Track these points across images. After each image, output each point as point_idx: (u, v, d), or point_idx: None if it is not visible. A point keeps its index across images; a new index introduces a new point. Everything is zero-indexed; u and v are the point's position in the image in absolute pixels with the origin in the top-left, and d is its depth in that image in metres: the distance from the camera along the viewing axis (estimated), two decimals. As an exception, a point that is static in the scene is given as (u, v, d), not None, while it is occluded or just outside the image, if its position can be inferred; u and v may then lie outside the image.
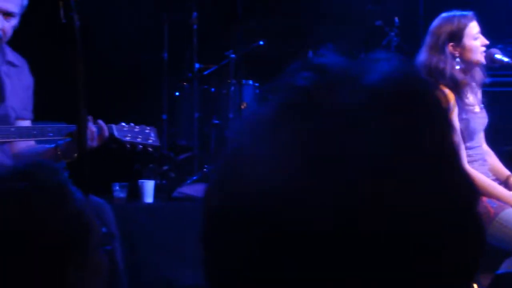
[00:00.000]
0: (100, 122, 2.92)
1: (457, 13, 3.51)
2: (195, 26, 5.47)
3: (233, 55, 5.51)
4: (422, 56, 3.51)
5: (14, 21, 2.93)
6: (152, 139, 3.14)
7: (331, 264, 0.58)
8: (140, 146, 3.09)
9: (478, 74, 3.53)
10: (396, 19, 5.62)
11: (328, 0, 6.02)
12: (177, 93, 5.70)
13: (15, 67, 3.08)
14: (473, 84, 3.52)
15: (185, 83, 5.67)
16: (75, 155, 2.94)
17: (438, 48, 3.46)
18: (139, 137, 3.10)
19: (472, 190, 0.63)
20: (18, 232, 1.15)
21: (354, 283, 0.58)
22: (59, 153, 2.93)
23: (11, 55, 3.08)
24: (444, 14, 3.54)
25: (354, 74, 0.65)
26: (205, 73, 5.56)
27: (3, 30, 2.89)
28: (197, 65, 5.50)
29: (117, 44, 5.54)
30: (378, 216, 0.58)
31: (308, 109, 0.62)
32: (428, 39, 3.53)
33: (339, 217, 0.58)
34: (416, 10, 5.96)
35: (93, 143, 2.89)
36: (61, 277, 1.16)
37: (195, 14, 5.47)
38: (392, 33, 5.60)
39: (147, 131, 3.15)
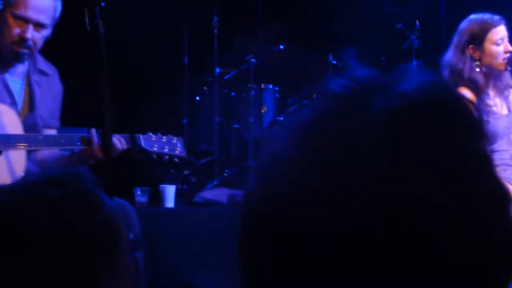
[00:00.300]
0: (117, 137, 2.93)
1: (486, 16, 3.48)
2: (215, 31, 5.48)
3: (253, 60, 5.51)
4: (448, 54, 3.53)
5: (45, 32, 2.97)
6: (179, 150, 3.15)
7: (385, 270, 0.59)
8: (167, 157, 3.10)
9: (505, 78, 3.50)
10: (417, 22, 5.59)
11: (348, 3, 6.00)
12: (197, 98, 5.72)
13: (46, 75, 3.11)
14: (500, 87, 3.49)
15: (205, 88, 5.68)
16: (91, 161, 2.98)
17: (460, 49, 3.48)
18: (166, 148, 3.11)
19: (505, 197, 0.63)
20: (50, 239, 1.16)
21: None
22: (75, 159, 2.98)
23: (42, 64, 3.11)
24: (472, 16, 3.52)
25: (388, 83, 0.65)
26: (226, 77, 5.57)
27: (33, 40, 2.92)
28: (217, 70, 5.51)
29: (138, 48, 5.57)
30: (423, 217, 0.59)
31: (346, 114, 0.63)
32: (454, 39, 3.54)
33: (388, 218, 0.58)
34: (437, 13, 5.93)
35: (103, 155, 2.91)
36: (92, 283, 1.16)
37: (215, 18, 5.48)
38: (413, 36, 5.57)
39: (174, 141, 3.15)
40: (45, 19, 2.94)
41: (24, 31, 2.90)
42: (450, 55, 3.49)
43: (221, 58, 5.56)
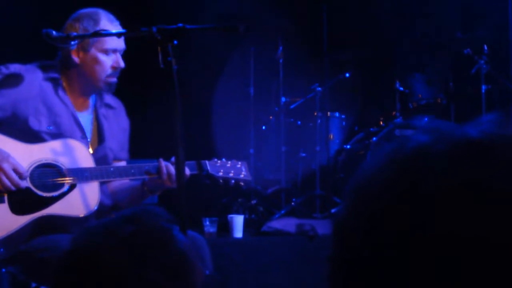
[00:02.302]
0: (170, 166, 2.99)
1: None
2: (281, 60, 5.52)
3: (319, 88, 5.52)
4: None
5: None
6: (244, 174, 3.19)
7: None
8: (233, 181, 3.15)
9: None
10: (485, 46, 5.50)
11: (414, 29, 5.96)
12: (263, 127, 5.74)
13: (113, 109, 3.22)
14: None
15: (271, 117, 5.71)
16: (160, 191, 3.06)
17: None
18: (231, 172, 3.16)
19: None
20: (124, 275, 1.18)
21: None
22: (145, 189, 3.06)
23: (109, 98, 3.21)
24: None
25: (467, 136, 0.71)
26: (292, 106, 5.59)
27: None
28: (283, 99, 5.53)
29: (203, 80, 5.65)
30: None
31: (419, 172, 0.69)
32: None
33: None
34: (505, 37, 5.82)
35: (173, 184, 2.97)
36: None
37: (280, 48, 5.51)
38: (482, 61, 5.47)
39: (238, 166, 3.21)
40: (124, 44, 3.10)
41: (117, 62, 3.05)
42: None
43: (287, 87, 5.58)
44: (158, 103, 2.89)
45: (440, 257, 0.64)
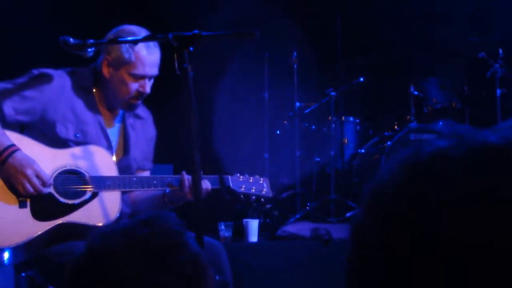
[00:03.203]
0: (185, 175, 3.00)
1: None
2: (295, 65, 5.54)
3: (333, 93, 5.53)
4: None
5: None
6: (265, 190, 3.19)
7: None
8: (254, 197, 3.15)
9: None
10: (501, 50, 5.49)
11: (429, 33, 5.96)
12: (278, 132, 5.76)
13: (141, 119, 3.23)
14: None
15: (286, 122, 5.72)
16: (181, 202, 3.06)
17: None
18: (253, 188, 3.16)
19: None
20: (137, 278, 1.20)
21: None
22: (166, 200, 3.07)
23: (138, 108, 3.21)
24: None
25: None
26: (306, 111, 5.60)
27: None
28: (297, 104, 5.55)
29: (218, 85, 5.67)
30: None
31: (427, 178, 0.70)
32: None
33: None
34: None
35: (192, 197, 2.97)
36: None
37: (295, 53, 5.53)
38: (497, 65, 5.47)
39: (260, 182, 3.21)
40: (157, 70, 3.09)
41: (143, 87, 3.05)
42: None
43: (301, 92, 5.60)
44: (174, 109, 2.91)
45: (451, 264, 0.65)
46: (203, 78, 4.96)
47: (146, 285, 1.21)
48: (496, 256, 0.64)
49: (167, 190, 3.05)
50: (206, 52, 5.10)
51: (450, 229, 0.65)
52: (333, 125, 5.51)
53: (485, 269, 0.64)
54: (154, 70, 3.06)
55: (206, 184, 2.98)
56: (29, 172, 2.75)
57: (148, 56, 3.02)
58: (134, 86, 3.04)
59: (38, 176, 2.77)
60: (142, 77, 3.04)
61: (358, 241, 0.74)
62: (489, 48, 5.55)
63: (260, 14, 5.58)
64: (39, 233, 2.80)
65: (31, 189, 2.76)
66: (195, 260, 1.25)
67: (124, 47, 2.99)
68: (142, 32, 3.00)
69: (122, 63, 3.01)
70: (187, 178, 2.96)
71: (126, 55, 2.98)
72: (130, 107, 3.08)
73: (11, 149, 2.77)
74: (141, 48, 3.02)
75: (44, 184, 2.79)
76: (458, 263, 0.65)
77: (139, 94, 3.06)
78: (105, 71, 3.04)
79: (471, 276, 0.64)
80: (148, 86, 3.06)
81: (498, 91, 5.41)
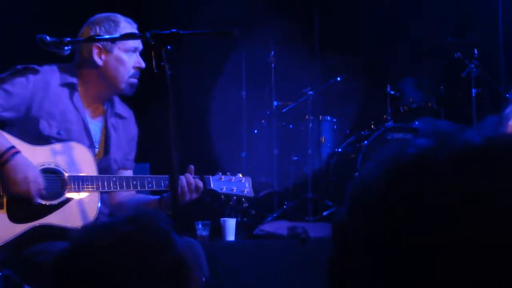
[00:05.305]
0: (189, 176, 2.96)
1: None
2: (272, 64, 5.54)
3: (311, 92, 5.54)
4: None
5: None
6: (247, 190, 3.13)
7: None
8: (235, 198, 3.12)
9: None
10: (476, 50, 5.54)
11: (406, 34, 5.99)
12: (255, 131, 5.76)
13: (122, 119, 3.19)
14: None
15: (263, 121, 5.73)
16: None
17: None
18: (234, 188, 3.11)
19: None
20: (124, 275, 1.19)
21: None
22: (163, 205, 2.99)
23: (120, 107, 3.19)
24: None
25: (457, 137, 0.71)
26: (283, 110, 5.61)
27: None
28: (275, 103, 5.56)
29: (196, 84, 5.66)
30: None
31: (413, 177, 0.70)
32: None
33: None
34: (495, 41, 5.86)
35: (192, 195, 2.95)
36: None
37: (272, 52, 5.54)
38: (472, 65, 5.52)
39: (242, 181, 3.15)
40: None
41: (138, 62, 3.05)
42: None
43: (279, 91, 5.61)
44: (151, 108, 2.90)
45: (442, 266, 0.65)
46: (181, 77, 4.95)
47: (130, 283, 1.19)
48: (490, 258, 0.64)
49: (164, 195, 2.99)
50: (184, 51, 5.10)
51: (440, 231, 0.65)
52: (311, 124, 5.53)
53: (478, 271, 0.64)
54: (140, 43, 3.07)
55: (199, 183, 2.95)
56: (32, 174, 2.73)
57: (133, 30, 3.02)
58: (130, 63, 3.03)
59: (37, 181, 2.74)
60: (135, 50, 3.04)
61: (341, 242, 0.74)
62: (465, 49, 5.60)
63: (238, 13, 5.59)
64: (15, 235, 2.74)
65: (34, 193, 2.73)
66: (181, 260, 1.24)
67: (111, 28, 2.98)
68: (121, 17, 3.02)
69: (112, 44, 2.99)
70: (182, 179, 2.91)
71: (115, 34, 2.96)
72: (132, 88, 3.06)
73: (12, 151, 2.73)
74: (125, 25, 3.02)
75: (40, 190, 2.76)
76: (450, 266, 0.65)
77: (137, 70, 3.05)
78: (98, 59, 3.00)
79: (462, 277, 0.64)
80: (141, 60, 3.05)
81: (474, 91, 5.46)
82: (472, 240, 0.64)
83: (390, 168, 0.71)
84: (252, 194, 3.15)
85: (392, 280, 0.67)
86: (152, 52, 2.43)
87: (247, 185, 3.14)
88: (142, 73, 3.04)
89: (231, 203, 3.13)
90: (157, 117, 2.27)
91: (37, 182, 2.73)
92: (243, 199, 3.12)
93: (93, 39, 2.93)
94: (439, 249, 0.65)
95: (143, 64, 3.04)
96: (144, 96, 3.40)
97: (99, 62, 3.01)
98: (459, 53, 5.53)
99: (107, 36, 2.93)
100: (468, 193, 0.66)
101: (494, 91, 5.54)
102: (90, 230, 1.29)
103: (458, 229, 0.65)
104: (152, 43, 2.47)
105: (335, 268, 0.74)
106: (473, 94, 5.46)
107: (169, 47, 2.45)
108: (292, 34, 5.97)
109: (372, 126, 5.76)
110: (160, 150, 2.52)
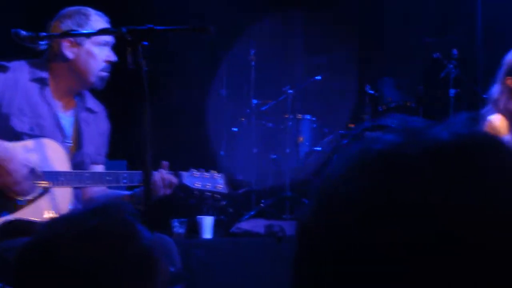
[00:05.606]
0: (163, 172, 2.95)
1: None
2: (253, 63, 5.54)
3: (290, 91, 5.55)
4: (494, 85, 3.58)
5: None
6: (221, 186, 3.13)
7: None
8: (208, 194, 3.11)
9: None
10: (455, 51, 5.57)
11: (385, 34, 6.02)
12: (235, 129, 5.76)
13: (94, 113, 3.16)
14: None
15: (243, 119, 5.73)
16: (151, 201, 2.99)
17: (500, 79, 3.52)
18: (208, 184, 3.11)
19: None
20: (87, 269, 1.18)
21: None
22: (135, 200, 2.96)
23: (91, 102, 3.16)
24: None
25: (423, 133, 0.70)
26: (263, 108, 5.61)
27: None
28: (254, 101, 5.55)
29: (176, 82, 5.65)
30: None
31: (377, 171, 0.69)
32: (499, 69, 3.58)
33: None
34: (474, 41, 5.90)
35: (165, 190, 2.94)
36: None
37: (253, 51, 5.53)
38: (451, 65, 5.55)
39: (216, 177, 3.15)
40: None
41: (109, 55, 3.03)
42: (494, 86, 3.54)
43: (258, 89, 5.61)
44: (128, 105, 2.88)
45: (411, 270, 0.63)
46: (161, 74, 4.94)
47: (94, 275, 1.18)
48: (463, 254, 0.63)
49: (136, 190, 2.98)
50: (165, 48, 5.08)
51: (409, 228, 0.63)
52: (290, 123, 5.53)
53: (450, 269, 0.63)
54: (112, 37, 3.05)
55: (172, 179, 2.94)
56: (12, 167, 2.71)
57: (104, 24, 3.01)
58: (101, 56, 3.01)
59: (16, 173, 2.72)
60: (106, 43, 3.02)
61: (305, 242, 0.72)
62: (444, 49, 5.63)
63: (219, 11, 5.58)
64: None
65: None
66: (147, 251, 1.23)
67: (81, 21, 2.96)
68: (91, 10, 3.01)
69: (84, 37, 2.98)
70: (162, 174, 2.90)
71: (86, 28, 2.94)
72: (102, 82, 3.04)
73: None
74: (96, 18, 3.00)
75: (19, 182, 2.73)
76: (422, 265, 0.63)
77: (108, 64, 3.03)
78: (68, 53, 2.98)
79: (433, 278, 0.63)
80: (113, 53, 3.04)
81: (452, 91, 5.49)
82: (444, 237, 0.63)
83: (356, 165, 0.70)
84: (226, 191, 3.16)
85: (357, 282, 0.66)
86: (128, 48, 2.41)
87: (221, 181, 3.15)
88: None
89: (206, 200, 3.12)
90: (135, 114, 2.26)
91: (16, 173, 2.71)
92: (217, 195, 3.13)
93: (70, 34, 2.91)
94: (408, 247, 0.63)
95: (114, 58, 3.03)
96: (122, 93, 3.39)
97: (70, 55, 2.99)
98: (438, 53, 5.57)
99: (84, 31, 2.91)
100: (436, 189, 0.64)
101: (473, 91, 5.58)
102: (53, 222, 1.27)
103: (428, 225, 0.63)
104: (129, 38, 2.45)
105: (300, 269, 0.72)
106: (452, 94, 5.49)
107: (145, 43, 2.44)
108: (273, 33, 5.98)
109: (351, 125, 5.78)
110: (137, 148, 2.51)
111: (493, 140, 0.69)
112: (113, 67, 3.04)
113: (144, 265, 1.22)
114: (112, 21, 3.05)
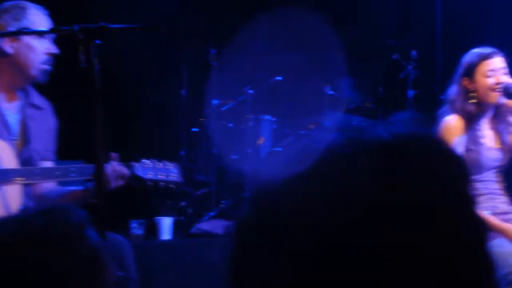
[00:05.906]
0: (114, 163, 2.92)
1: (483, 49, 3.52)
2: (213, 63, 5.53)
3: (250, 91, 5.55)
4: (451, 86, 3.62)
5: None
6: (175, 176, 3.13)
7: None
8: (162, 184, 3.09)
9: (505, 112, 3.52)
10: (414, 52, 5.63)
11: (345, 34, 6.05)
12: (195, 129, 5.74)
13: (40, 109, 3.12)
14: (497, 120, 3.54)
15: (203, 119, 5.71)
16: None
17: (457, 80, 3.55)
18: (161, 174, 3.09)
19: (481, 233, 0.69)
20: (30, 270, 1.17)
21: None
22: (87, 194, 2.94)
23: (36, 98, 3.12)
24: (474, 50, 3.56)
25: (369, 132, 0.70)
26: (223, 108, 5.60)
27: None
28: (215, 101, 5.54)
29: (136, 81, 5.61)
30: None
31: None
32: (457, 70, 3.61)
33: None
34: (433, 43, 5.97)
35: (117, 182, 2.90)
36: None
37: (213, 51, 5.52)
38: (410, 67, 5.61)
39: (169, 167, 3.14)
40: None
41: (50, 48, 2.99)
42: (451, 87, 3.58)
43: (219, 90, 5.59)
44: (82, 104, 2.84)
45: (359, 267, 0.63)
46: (119, 74, 4.90)
47: (39, 277, 1.17)
48: (406, 254, 0.63)
49: (88, 184, 2.95)
50: (123, 48, 5.04)
51: (352, 228, 0.63)
52: (250, 123, 5.53)
53: (399, 278, 0.63)
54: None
55: (124, 170, 2.92)
56: None
57: (43, 17, 2.98)
58: (41, 48, 2.97)
59: None
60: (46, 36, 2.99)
61: (241, 240, 0.72)
62: (404, 50, 5.68)
63: (179, 10, 5.55)
64: None
65: None
66: (94, 253, 1.23)
67: (19, 15, 2.92)
68: (29, 4, 2.97)
69: (40, 36, 2.95)
70: (113, 166, 2.87)
71: (25, 22, 2.91)
72: (44, 75, 3.00)
73: None
74: (34, 11, 2.97)
75: None
76: (368, 266, 0.63)
77: (49, 56, 2.99)
78: (7, 47, 2.94)
79: (376, 277, 0.63)
80: (54, 45, 3.00)
81: (411, 92, 5.55)
82: (388, 237, 0.63)
83: (293, 163, 0.69)
84: (180, 180, 3.14)
85: (299, 279, 0.65)
86: (80, 47, 2.39)
87: (175, 171, 3.14)
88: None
89: (161, 190, 3.10)
90: (88, 113, 2.24)
91: None
92: (171, 185, 3.11)
93: (22, 32, 2.88)
94: (353, 248, 0.63)
95: (55, 50, 3.00)
96: (75, 92, 3.35)
97: (9, 50, 2.95)
98: (397, 55, 5.62)
99: (37, 29, 2.88)
100: (376, 187, 0.64)
101: (431, 92, 5.64)
102: (1, 224, 1.26)
103: (371, 225, 0.63)
104: (81, 37, 2.42)
105: (237, 267, 0.72)
106: (411, 95, 5.54)
107: (98, 41, 2.41)
108: (233, 33, 5.97)
109: (311, 126, 5.79)
110: (89, 147, 2.48)
111: (430, 141, 0.70)
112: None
113: (89, 268, 1.21)
114: (66, 18, 3.02)
